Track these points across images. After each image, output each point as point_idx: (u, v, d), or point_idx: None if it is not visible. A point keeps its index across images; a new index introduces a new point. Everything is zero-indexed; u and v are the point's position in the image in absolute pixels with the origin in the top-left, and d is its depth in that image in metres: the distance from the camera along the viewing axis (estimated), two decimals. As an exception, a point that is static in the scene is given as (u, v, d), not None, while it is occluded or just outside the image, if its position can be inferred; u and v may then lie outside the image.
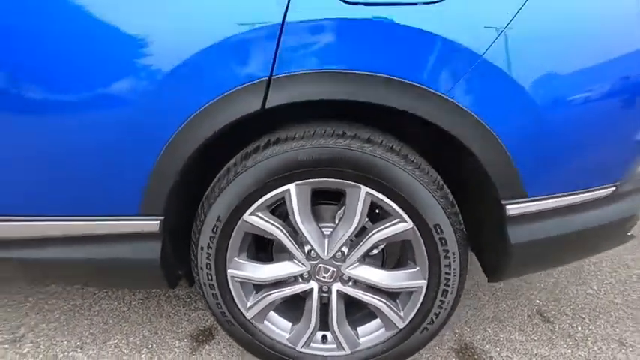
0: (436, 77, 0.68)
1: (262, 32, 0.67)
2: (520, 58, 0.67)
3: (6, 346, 1.11)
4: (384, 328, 0.94)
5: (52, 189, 0.82)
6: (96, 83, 0.72)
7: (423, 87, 0.68)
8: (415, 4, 0.65)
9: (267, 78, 0.69)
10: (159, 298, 1.30)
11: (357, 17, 0.66)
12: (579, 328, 1.18)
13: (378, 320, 0.95)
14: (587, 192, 0.80)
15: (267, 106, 0.71)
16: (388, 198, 0.78)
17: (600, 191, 0.81)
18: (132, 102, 0.71)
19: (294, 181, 0.79)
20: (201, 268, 0.88)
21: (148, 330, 1.17)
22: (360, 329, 0.96)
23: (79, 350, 1.09)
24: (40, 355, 1.08)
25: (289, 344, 0.96)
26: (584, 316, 1.23)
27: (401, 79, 0.68)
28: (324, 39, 0.68)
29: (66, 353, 1.08)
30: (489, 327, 1.19)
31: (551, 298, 1.30)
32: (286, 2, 0.65)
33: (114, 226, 0.84)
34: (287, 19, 0.66)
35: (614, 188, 0.82)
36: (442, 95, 0.68)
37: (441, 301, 0.87)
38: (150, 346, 1.11)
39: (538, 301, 1.29)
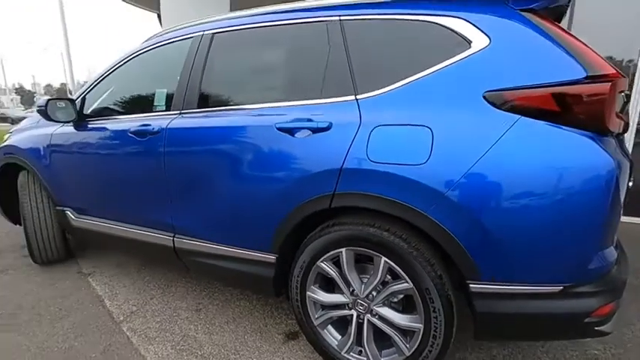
0: (422, 204, 1.21)
1: (332, 173, 1.34)
2: (469, 195, 1.15)
3: (190, 313, 1.99)
4: (397, 354, 1.41)
5: (231, 231, 1.65)
6: (273, 182, 1.48)
7: (416, 208, 1.22)
8: (407, 165, 1.21)
9: (332, 193, 1.35)
10: (270, 305, 2.04)
11: (373, 169, 1.26)
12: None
13: (394, 348, 1.42)
14: (535, 285, 1.15)
15: (332, 206, 1.37)
16: (397, 266, 1.30)
17: (546, 287, 1.14)
18: (281, 194, 1.46)
19: (344, 247, 1.40)
20: (292, 289, 1.55)
21: (260, 321, 1.89)
22: (384, 351, 1.45)
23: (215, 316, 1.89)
24: (210, 315, 1.91)
25: (337, 349, 1.51)
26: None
27: (406, 204, 1.23)
28: (364, 177, 1.30)
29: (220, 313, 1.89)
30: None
31: None
32: (340, 163, 1.31)
33: (253, 255, 1.60)
34: (343, 167, 1.32)
35: (561, 287, 1.13)
36: (423, 213, 1.20)
37: (432, 342, 1.30)
38: (257, 334, 1.82)
39: None
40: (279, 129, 1.45)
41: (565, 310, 1.15)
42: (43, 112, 2.00)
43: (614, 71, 1.10)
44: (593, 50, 1.15)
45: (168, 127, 1.75)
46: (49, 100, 2.01)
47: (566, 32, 1.19)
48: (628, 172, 1.22)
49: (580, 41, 1.16)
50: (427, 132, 1.21)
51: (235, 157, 1.57)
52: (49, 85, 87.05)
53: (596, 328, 1.18)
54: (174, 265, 2.07)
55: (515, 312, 1.19)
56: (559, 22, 1.48)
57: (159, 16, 9.50)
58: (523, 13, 1.21)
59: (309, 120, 1.41)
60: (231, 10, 5.33)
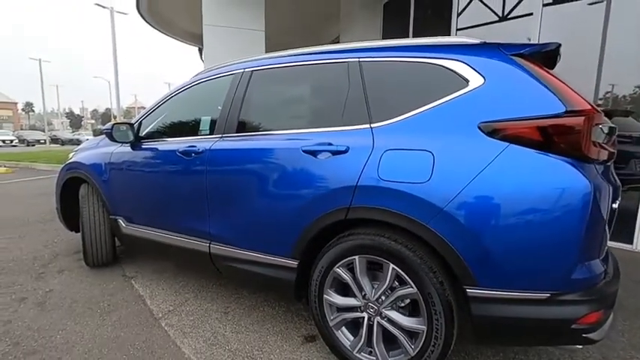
0: (423, 217, 1.40)
1: (348, 189, 1.56)
2: (463, 210, 1.33)
3: (220, 315, 2.22)
4: (403, 355, 1.56)
5: (260, 239, 1.89)
6: (297, 196, 1.73)
7: (418, 220, 1.41)
8: (411, 183, 1.42)
9: (348, 206, 1.57)
10: (292, 312, 2.23)
11: (383, 186, 1.47)
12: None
13: (401, 349, 1.57)
14: (524, 292, 1.29)
15: (347, 218, 1.58)
16: (403, 272, 1.49)
17: (535, 294, 1.28)
18: (304, 207, 1.70)
19: (358, 254, 1.60)
20: (311, 292, 1.75)
21: (282, 324, 2.08)
22: (391, 352, 1.60)
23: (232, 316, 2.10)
24: (237, 317, 2.13)
25: (350, 349, 1.68)
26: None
27: (410, 217, 1.43)
28: (375, 193, 1.51)
29: (244, 313, 2.10)
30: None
31: None
32: (355, 181, 1.54)
33: (278, 260, 1.83)
34: (358, 184, 1.54)
35: (549, 294, 1.27)
36: (425, 225, 1.40)
37: (434, 342, 1.45)
38: (278, 335, 2.01)
39: None
40: (304, 151, 1.71)
41: (553, 316, 1.29)
42: (109, 134, 2.38)
43: (590, 107, 1.28)
44: (572, 89, 1.34)
45: (211, 148, 2.06)
46: (114, 124, 2.39)
47: (549, 73, 1.39)
48: (610, 194, 1.37)
49: (561, 81, 1.36)
50: (429, 155, 1.42)
51: (266, 175, 1.84)
52: (95, 110, 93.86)
53: (583, 335, 1.30)
54: (207, 270, 2.32)
55: (507, 316, 1.33)
56: (554, 64, 1.70)
57: (200, 50, 10.40)
58: (513, 58, 1.43)
59: (330, 144, 1.66)
60: (266, 47, 5.87)
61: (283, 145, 1.82)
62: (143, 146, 2.48)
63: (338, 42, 6.98)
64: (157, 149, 2.39)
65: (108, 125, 2.44)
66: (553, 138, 1.28)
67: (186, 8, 7.17)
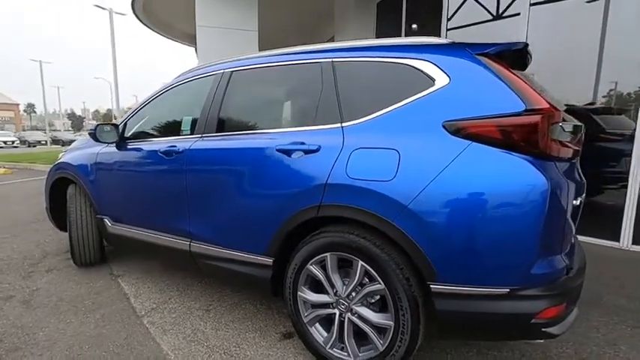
0: (389, 214, 1.43)
1: (319, 188, 1.59)
2: (426, 207, 1.36)
3: (202, 312, 2.25)
4: (373, 350, 1.58)
5: (237, 237, 1.92)
6: (272, 194, 1.77)
7: (384, 218, 1.44)
8: (377, 181, 1.45)
9: (319, 204, 1.60)
10: (272, 310, 2.26)
11: (350, 184, 1.50)
12: None
13: (372, 344, 1.59)
14: (485, 287, 1.31)
15: (318, 215, 1.61)
16: (372, 269, 1.51)
17: (495, 289, 1.31)
18: (278, 205, 1.73)
19: (329, 252, 1.62)
20: (286, 289, 1.78)
21: (262, 322, 2.11)
22: (362, 347, 1.63)
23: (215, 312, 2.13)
24: (219, 315, 2.16)
25: (323, 345, 1.71)
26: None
27: (376, 214, 1.46)
28: (344, 191, 1.54)
29: (223, 309, 2.13)
30: None
31: None
32: (325, 179, 1.56)
33: (254, 258, 1.86)
34: (327, 182, 1.57)
35: (508, 290, 1.30)
36: (390, 222, 1.42)
37: (400, 338, 1.47)
38: (257, 332, 2.04)
39: None
40: (279, 150, 1.74)
41: (512, 311, 1.31)
42: (92, 134, 2.41)
43: (548, 106, 1.30)
44: (533, 88, 1.36)
45: (190, 148, 2.09)
46: (97, 125, 2.42)
47: (512, 73, 1.41)
48: (573, 191, 1.39)
49: (523, 80, 1.38)
50: (395, 154, 1.45)
51: (241, 174, 1.87)
52: (96, 111, 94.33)
53: (543, 330, 1.32)
54: (191, 268, 2.35)
55: (469, 311, 1.35)
56: (524, 64, 1.72)
57: (196, 50, 10.44)
58: (479, 57, 1.45)
59: (303, 143, 1.68)
60: (260, 47, 5.90)
61: (259, 145, 1.85)
62: (128, 146, 2.51)
63: (333, 41, 6.98)
64: (140, 149, 2.43)
65: (92, 126, 2.47)
66: (512, 136, 1.30)
67: (180, 9, 7.21)
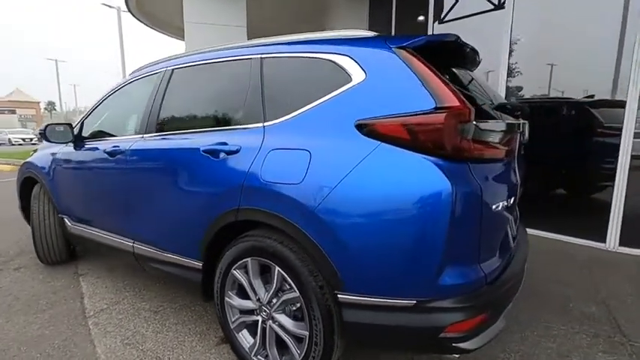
0: (297, 218, 1.35)
1: (237, 190, 1.53)
2: (331, 212, 1.27)
3: (149, 314, 2.23)
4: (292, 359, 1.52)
5: (170, 239, 1.88)
6: (198, 197, 1.72)
7: (292, 222, 1.36)
8: (287, 184, 1.37)
9: (237, 208, 1.53)
10: (211, 314, 2.21)
11: (263, 187, 1.43)
12: None
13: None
14: (391, 298, 1.23)
15: (237, 220, 1.55)
16: (287, 276, 1.44)
17: (401, 300, 1.22)
18: (203, 208, 1.68)
19: (250, 257, 1.56)
20: (215, 293, 1.73)
21: (205, 325, 2.07)
22: (284, 357, 1.56)
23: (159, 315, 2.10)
24: (165, 317, 2.13)
25: (248, 352, 1.65)
26: None
27: (285, 218, 1.38)
28: (258, 194, 1.47)
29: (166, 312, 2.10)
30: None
31: None
32: (242, 182, 1.50)
33: (185, 261, 1.81)
34: (244, 185, 1.50)
35: (414, 302, 1.20)
36: (298, 227, 1.34)
37: (314, 349, 1.40)
38: (197, 335, 2.00)
39: None
40: (204, 151, 1.67)
41: (419, 324, 1.22)
42: (43, 135, 2.41)
43: (458, 104, 1.19)
44: (448, 85, 1.25)
45: (130, 148, 2.05)
46: (47, 125, 2.41)
47: (429, 68, 1.29)
48: (502, 194, 1.30)
49: (439, 76, 1.27)
50: (307, 155, 1.37)
51: (173, 175, 1.82)
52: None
53: (454, 345, 1.22)
54: (139, 269, 2.33)
55: (377, 323, 1.27)
56: (465, 61, 1.61)
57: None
58: (397, 51, 1.35)
59: (225, 144, 1.62)
60: (249, 37, 5.83)
61: (187, 145, 1.79)
62: (82, 146, 2.49)
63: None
64: (91, 149, 2.41)
65: (42, 126, 2.46)
66: (418, 136, 1.20)
67: (172, 6, 7.19)
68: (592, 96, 3.69)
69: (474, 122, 1.23)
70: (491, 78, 4.04)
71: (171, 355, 1.83)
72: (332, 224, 1.27)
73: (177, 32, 9.36)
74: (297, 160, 1.38)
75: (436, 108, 1.20)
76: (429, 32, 4.69)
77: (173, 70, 2.07)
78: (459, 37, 1.48)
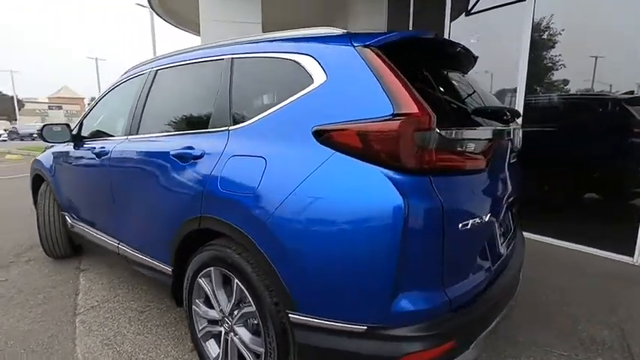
0: (249, 229, 1.28)
1: (198, 198, 1.47)
2: (281, 225, 1.18)
3: (135, 314, 2.24)
4: (253, 375, 1.45)
5: (146, 243, 1.86)
6: (167, 202, 1.69)
7: (244, 233, 1.29)
8: (241, 193, 1.30)
9: (199, 215, 1.48)
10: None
11: (220, 195, 1.36)
12: None
13: (253, 368, 1.47)
14: (341, 322, 1.12)
15: (200, 227, 1.49)
16: (244, 288, 1.37)
17: (351, 325, 1.11)
18: (171, 214, 1.65)
19: (213, 266, 1.50)
20: (184, 299, 1.70)
21: (185, 329, 2.06)
22: (246, 371, 1.50)
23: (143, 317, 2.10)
24: (150, 318, 2.14)
25: (214, 362, 1.61)
26: None
27: (238, 228, 1.31)
28: (216, 202, 1.41)
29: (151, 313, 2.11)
30: None
31: None
32: (203, 189, 1.44)
33: (158, 265, 1.79)
34: (204, 192, 1.44)
35: (365, 327, 1.09)
36: (250, 238, 1.27)
37: (270, 366, 1.33)
38: (175, 339, 1.98)
39: None
40: (173, 155, 1.64)
41: (372, 352, 1.11)
42: (40, 135, 2.47)
43: (416, 110, 1.06)
44: (409, 89, 1.11)
45: (115, 149, 2.06)
46: (44, 125, 2.48)
47: (391, 70, 1.16)
48: (479, 209, 1.17)
49: (401, 79, 1.13)
50: (262, 162, 1.29)
51: (146, 178, 1.80)
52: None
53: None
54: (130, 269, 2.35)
55: (330, 347, 1.17)
56: (452, 60, 1.47)
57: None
58: (361, 50, 1.23)
59: (192, 148, 1.57)
60: (264, 31, 5.79)
61: (159, 149, 1.76)
62: (80, 146, 2.55)
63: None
64: (85, 149, 2.45)
65: (39, 126, 2.54)
66: (372, 145, 1.09)
67: (191, 2, 7.28)
68: (631, 92, 3.32)
69: (437, 130, 1.09)
70: (510, 74, 3.75)
71: (145, 358, 1.82)
72: (281, 238, 1.19)
73: (199, 30, 9.52)
74: (253, 168, 1.30)
75: (394, 115, 1.07)
76: (446, 28, 4.43)
77: (157, 70, 2.05)
78: (436, 34, 1.33)
